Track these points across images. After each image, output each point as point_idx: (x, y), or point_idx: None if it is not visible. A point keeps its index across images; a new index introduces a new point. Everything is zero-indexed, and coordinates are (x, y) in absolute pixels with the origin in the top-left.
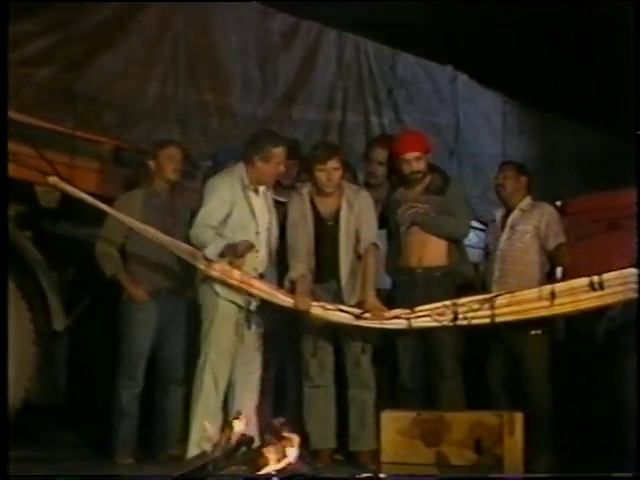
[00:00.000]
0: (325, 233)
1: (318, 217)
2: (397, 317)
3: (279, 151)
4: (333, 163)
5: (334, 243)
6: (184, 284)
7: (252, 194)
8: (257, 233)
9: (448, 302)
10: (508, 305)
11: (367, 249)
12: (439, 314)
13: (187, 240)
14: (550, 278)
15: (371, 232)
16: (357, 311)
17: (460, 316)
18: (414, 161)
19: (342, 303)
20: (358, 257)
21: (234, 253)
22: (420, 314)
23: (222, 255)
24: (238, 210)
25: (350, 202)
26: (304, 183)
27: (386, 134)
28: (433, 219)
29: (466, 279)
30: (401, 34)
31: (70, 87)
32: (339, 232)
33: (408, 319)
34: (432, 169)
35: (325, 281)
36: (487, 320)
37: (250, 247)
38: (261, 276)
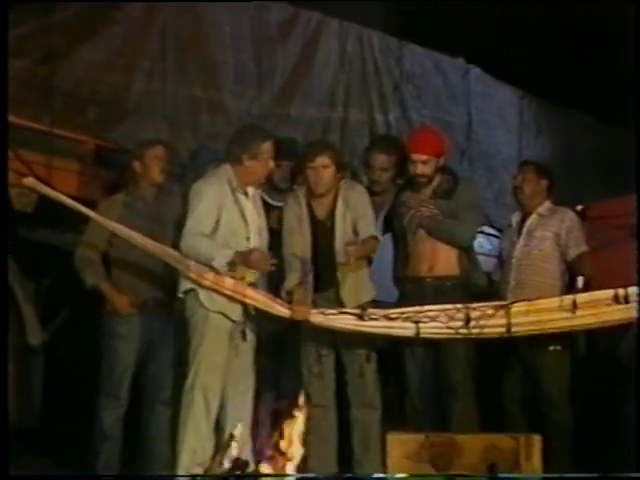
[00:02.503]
0: (322, 237)
1: (315, 220)
2: (403, 315)
3: (267, 146)
4: (322, 160)
5: (331, 245)
6: (172, 295)
7: (242, 197)
8: (247, 238)
9: (460, 305)
10: (526, 314)
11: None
12: (450, 317)
13: (176, 247)
14: (570, 289)
15: (369, 225)
16: (359, 312)
17: (472, 323)
18: (420, 164)
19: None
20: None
21: (246, 263)
22: (429, 314)
23: (232, 264)
24: (227, 214)
25: (345, 198)
26: (300, 185)
27: (382, 137)
28: (439, 223)
29: (479, 289)
30: (408, 24)
31: (47, 81)
32: (334, 231)
33: (417, 322)
34: (442, 170)
35: (324, 290)
36: (502, 330)
37: (263, 259)
38: (250, 284)
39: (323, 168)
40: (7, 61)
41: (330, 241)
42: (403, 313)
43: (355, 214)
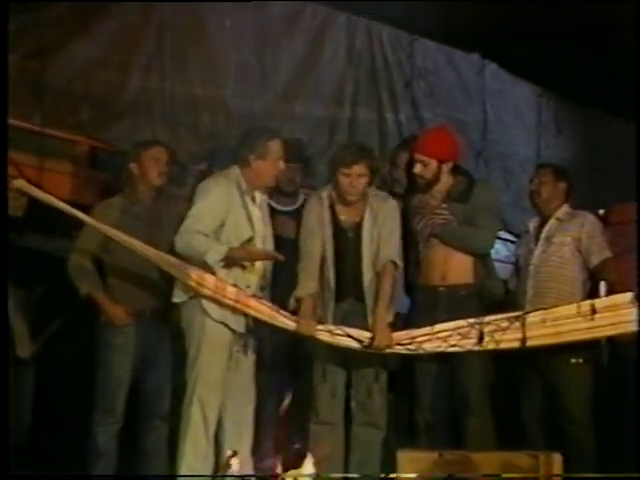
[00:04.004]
0: (344, 246)
1: (337, 227)
2: (413, 340)
3: (275, 145)
4: (359, 169)
5: (355, 257)
6: (171, 304)
7: (250, 201)
8: (252, 245)
9: (472, 320)
10: (542, 323)
11: (385, 267)
12: (463, 335)
13: (174, 253)
14: (592, 297)
15: (392, 248)
16: (366, 337)
17: (487, 338)
18: (419, 164)
19: (364, 325)
20: (377, 274)
21: (246, 255)
22: (441, 335)
23: (228, 260)
24: (234, 218)
25: (374, 212)
26: (326, 187)
27: (415, 136)
28: (453, 230)
29: (495, 298)
30: (420, 18)
31: (38, 77)
32: (361, 245)
33: (428, 341)
34: (456, 171)
35: (342, 300)
36: (518, 343)
37: (263, 249)
38: (253, 295)
39: (358, 177)
40: (7, 62)
41: (353, 253)
42: (414, 338)
43: (381, 232)
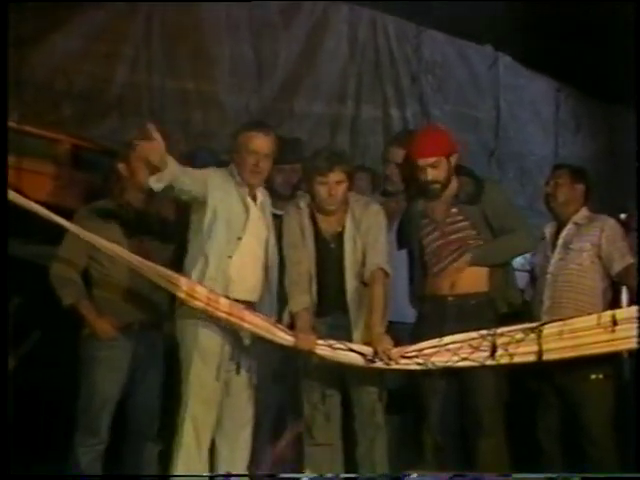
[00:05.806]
0: (326, 257)
1: (319, 237)
2: (420, 353)
3: (243, 138)
4: (336, 175)
5: (338, 269)
6: (161, 317)
7: (248, 198)
8: (239, 238)
9: (485, 332)
10: (559, 335)
11: (373, 275)
12: (474, 348)
13: (168, 263)
14: (614, 308)
15: (378, 255)
16: (369, 351)
17: (500, 351)
18: (430, 168)
19: (350, 340)
20: (363, 284)
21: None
22: (451, 347)
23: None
24: (227, 203)
25: (356, 219)
26: (303, 193)
27: (407, 130)
28: (489, 249)
29: (512, 309)
30: (428, 8)
31: (16, 71)
32: (344, 256)
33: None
34: (459, 171)
35: (326, 314)
36: (533, 357)
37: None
38: (250, 304)
39: (337, 184)
40: (7, 62)
41: (336, 264)
42: (421, 350)
43: (365, 240)
